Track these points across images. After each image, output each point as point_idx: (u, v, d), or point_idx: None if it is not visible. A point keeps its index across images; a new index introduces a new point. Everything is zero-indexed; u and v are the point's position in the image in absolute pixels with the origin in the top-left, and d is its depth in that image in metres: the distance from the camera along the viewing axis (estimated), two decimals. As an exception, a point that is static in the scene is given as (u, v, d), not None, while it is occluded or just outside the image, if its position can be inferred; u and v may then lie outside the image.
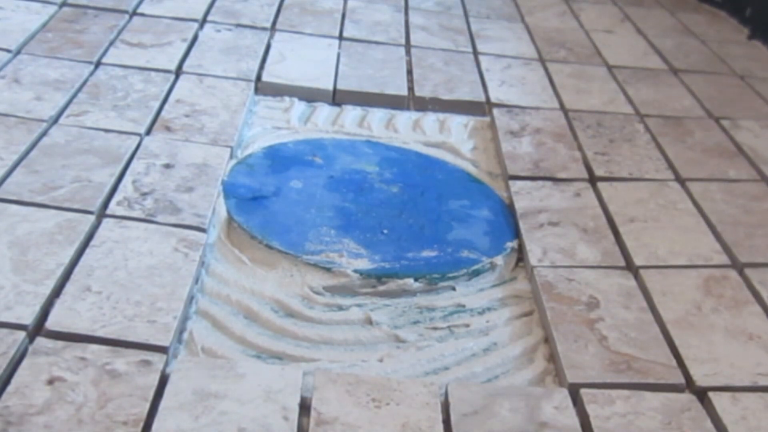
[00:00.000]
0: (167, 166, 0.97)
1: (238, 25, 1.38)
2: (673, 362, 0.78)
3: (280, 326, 0.80)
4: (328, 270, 0.87)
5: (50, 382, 0.66)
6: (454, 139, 1.17)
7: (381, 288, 0.86)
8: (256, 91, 1.21)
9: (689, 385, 0.76)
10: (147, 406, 0.65)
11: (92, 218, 0.85)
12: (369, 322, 0.82)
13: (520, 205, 1.01)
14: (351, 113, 1.21)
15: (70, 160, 0.94)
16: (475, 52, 1.42)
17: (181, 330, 0.76)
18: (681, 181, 1.09)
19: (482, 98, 1.27)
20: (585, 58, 1.46)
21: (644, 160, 1.13)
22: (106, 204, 0.88)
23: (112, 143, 0.99)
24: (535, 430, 0.69)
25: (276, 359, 0.76)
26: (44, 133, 0.99)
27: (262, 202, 0.97)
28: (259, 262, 0.88)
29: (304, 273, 0.87)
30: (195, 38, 1.31)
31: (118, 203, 0.89)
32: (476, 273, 0.91)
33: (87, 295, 0.75)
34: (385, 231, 0.95)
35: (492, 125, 1.21)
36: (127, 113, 1.06)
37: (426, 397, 0.71)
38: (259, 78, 1.23)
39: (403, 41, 1.43)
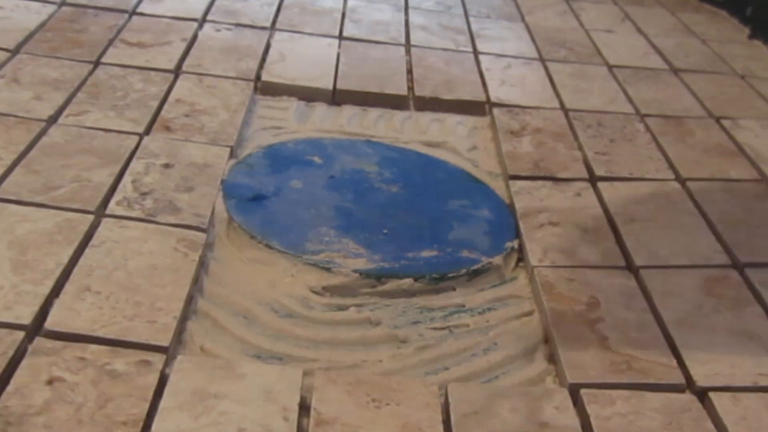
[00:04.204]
0: (167, 165, 0.97)
1: (238, 25, 1.38)
2: (674, 362, 0.78)
3: (280, 326, 0.80)
4: (328, 270, 0.87)
5: (50, 382, 0.65)
6: (454, 139, 1.17)
7: (381, 288, 0.86)
8: (256, 90, 1.20)
9: (690, 385, 0.76)
10: (146, 406, 0.65)
11: (92, 218, 0.85)
12: (369, 322, 0.82)
13: (520, 205, 1.01)
14: (351, 113, 1.21)
15: (69, 160, 0.94)
16: (476, 52, 1.42)
17: (180, 330, 0.75)
18: (681, 181, 1.09)
19: (482, 98, 1.27)
20: (585, 57, 1.46)
21: (645, 159, 1.13)
22: (105, 204, 0.88)
23: (111, 143, 0.99)
24: (535, 430, 0.69)
25: (276, 359, 0.76)
26: (44, 133, 0.99)
27: (261, 202, 0.96)
28: (259, 262, 0.88)
29: (304, 273, 0.87)
30: (195, 38, 1.30)
31: (118, 203, 0.89)
32: (476, 273, 0.91)
33: (86, 295, 0.75)
34: (385, 231, 0.95)
35: (492, 125, 1.21)
36: (126, 113, 1.06)
37: (426, 397, 0.70)
38: (258, 78, 1.23)
39: (403, 41, 1.43)
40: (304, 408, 0.68)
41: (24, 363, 0.67)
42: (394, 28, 1.47)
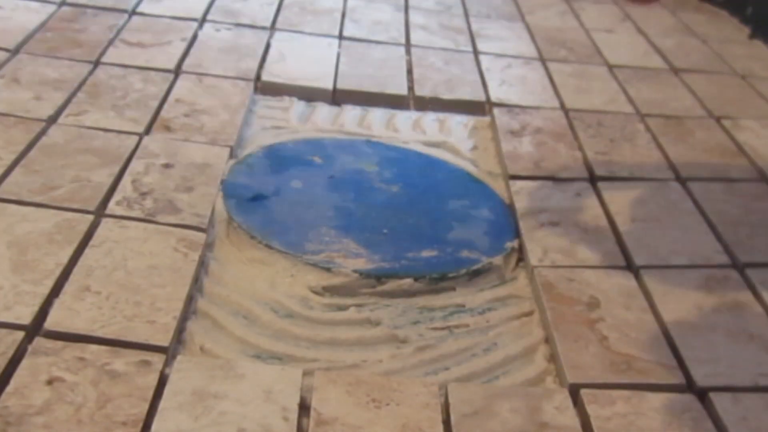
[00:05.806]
0: (167, 165, 0.97)
1: (238, 25, 1.38)
2: (674, 362, 0.78)
3: (279, 326, 0.80)
4: (328, 270, 0.87)
5: (49, 382, 0.65)
6: (454, 139, 1.17)
7: (381, 288, 0.86)
8: (256, 90, 1.20)
9: (690, 385, 0.76)
10: (146, 406, 0.65)
11: (91, 218, 0.85)
12: (369, 322, 0.82)
13: (520, 205, 1.01)
14: (351, 113, 1.20)
15: (69, 160, 0.94)
16: (476, 52, 1.42)
17: (180, 330, 0.75)
18: (682, 180, 1.09)
19: (482, 98, 1.27)
20: (585, 57, 1.46)
21: (645, 159, 1.13)
22: (105, 204, 0.88)
23: (111, 143, 0.99)
24: (535, 430, 0.69)
25: (276, 359, 0.76)
26: (43, 133, 0.99)
27: (261, 202, 0.96)
28: (259, 262, 0.88)
29: (304, 273, 0.87)
30: (194, 38, 1.30)
31: (118, 203, 0.89)
32: (476, 273, 0.91)
33: (86, 295, 0.75)
34: (385, 231, 0.95)
35: (492, 125, 1.21)
36: (126, 113, 1.06)
37: (426, 397, 0.70)
38: (258, 77, 1.23)
39: (403, 40, 1.42)
40: (304, 408, 0.68)
41: (24, 363, 0.67)
42: (394, 28, 1.47)
